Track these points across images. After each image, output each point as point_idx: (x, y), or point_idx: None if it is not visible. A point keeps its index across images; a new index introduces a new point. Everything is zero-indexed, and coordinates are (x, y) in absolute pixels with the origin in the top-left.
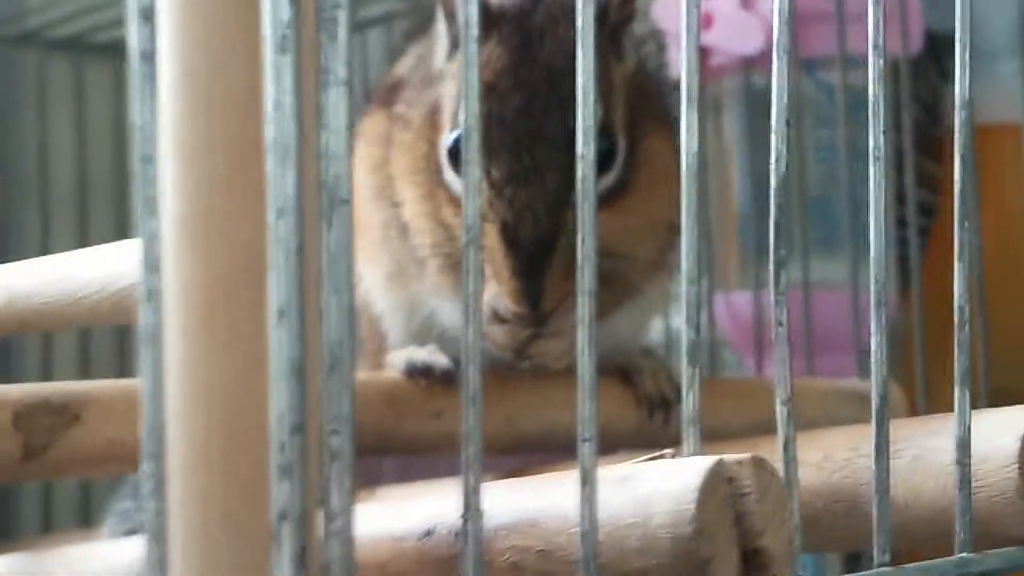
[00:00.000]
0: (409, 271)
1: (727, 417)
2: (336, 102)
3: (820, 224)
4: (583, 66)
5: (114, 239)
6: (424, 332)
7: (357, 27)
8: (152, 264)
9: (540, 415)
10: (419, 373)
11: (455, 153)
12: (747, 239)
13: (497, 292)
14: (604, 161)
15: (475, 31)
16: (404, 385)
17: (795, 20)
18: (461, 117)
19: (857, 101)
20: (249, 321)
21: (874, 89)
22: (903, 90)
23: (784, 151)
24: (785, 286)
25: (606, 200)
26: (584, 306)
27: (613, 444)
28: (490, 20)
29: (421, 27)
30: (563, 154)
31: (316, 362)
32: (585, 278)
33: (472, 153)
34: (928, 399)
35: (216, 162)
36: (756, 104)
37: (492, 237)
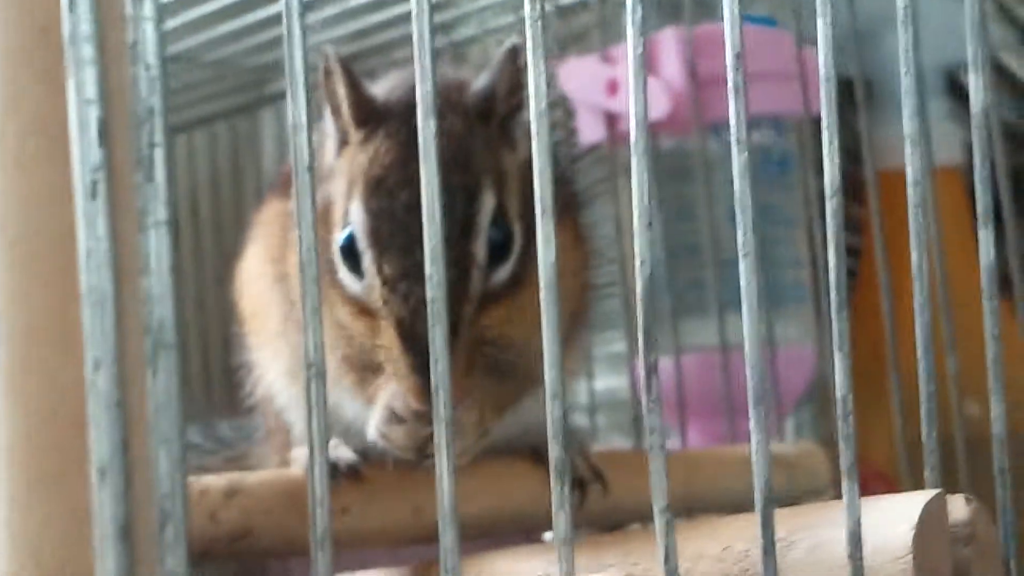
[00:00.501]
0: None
1: (648, 495)
2: (158, 244)
3: (734, 283)
4: (427, 181)
5: None
6: (328, 426)
7: (275, 99)
8: None
9: None
10: None
11: (348, 252)
12: (661, 302)
13: (395, 391)
14: (499, 252)
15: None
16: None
17: (697, 86)
18: (351, 215)
19: (763, 160)
20: (71, 481)
21: (740, 184)
22: (807, 152)
23: (649, 255)
24: (658, 393)
25: (503, 293)
26: (441, 435)
27: (532, 526)
28: (376, 115)
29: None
30: (456, 247)
31: (145, 522)
32: (440, 405)
33: (309, 285)
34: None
35: (31, 313)
36: (661, 167)
37: (388, 335)
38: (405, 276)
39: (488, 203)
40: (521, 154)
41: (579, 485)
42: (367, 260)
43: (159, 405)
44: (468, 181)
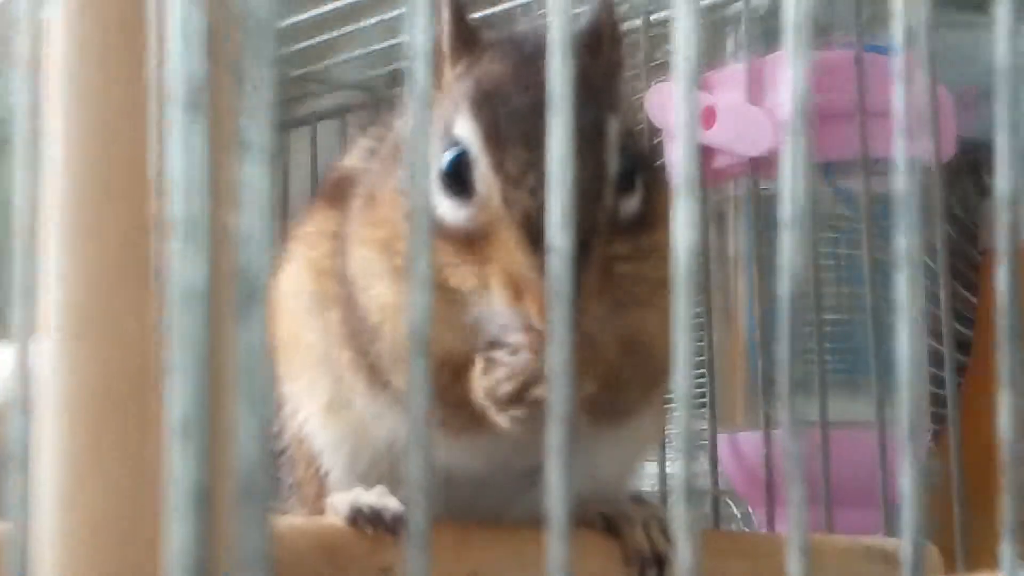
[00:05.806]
0: (355, 395)
1: None
2: (257, 175)
3: (840, 354)
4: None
5: None
6: (373, 471)
7: (309, 120)
8: (25, 369)
9: (513, 574)
10: (365, 520)
11: (452, 174)
12: (755, 370)
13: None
14: (626, 181)
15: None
16: (347, 534)
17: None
18: (455, 133)
19: (882, 213)
20: (142, 438)
21: (904, 171)
22: (935, 200)
23: (800, 240)
24: (800, 406)
25: (631, 230)
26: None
27: None
28: (478, 45)
29: (372, 119)
30: (586, 152)
31: (225, 490)
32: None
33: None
34: (968, 561)
35: (106, 243)
36: (766, 213)
37: (508, 245)
38: (530, 167)
39: (614, 124)
40: (623, 118)
41: (658, 565)
42: (482, 166)
43: (248, 360)
44: (592, 101)
